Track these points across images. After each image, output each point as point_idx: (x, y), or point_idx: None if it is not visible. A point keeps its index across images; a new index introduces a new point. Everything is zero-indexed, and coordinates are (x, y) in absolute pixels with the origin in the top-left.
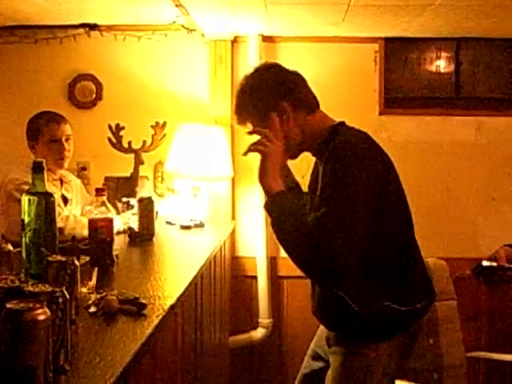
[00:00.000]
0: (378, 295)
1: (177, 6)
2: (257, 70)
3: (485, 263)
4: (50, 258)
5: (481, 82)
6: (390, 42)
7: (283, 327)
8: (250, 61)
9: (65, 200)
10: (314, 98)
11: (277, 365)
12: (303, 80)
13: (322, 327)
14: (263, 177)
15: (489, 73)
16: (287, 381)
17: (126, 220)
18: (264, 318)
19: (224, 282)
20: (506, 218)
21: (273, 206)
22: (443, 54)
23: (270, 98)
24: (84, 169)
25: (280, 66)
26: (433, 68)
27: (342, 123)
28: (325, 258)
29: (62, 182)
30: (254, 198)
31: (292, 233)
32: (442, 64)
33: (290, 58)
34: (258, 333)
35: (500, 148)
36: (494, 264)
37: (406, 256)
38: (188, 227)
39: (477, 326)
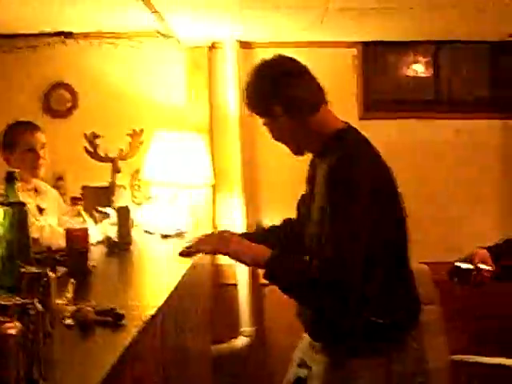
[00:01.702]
0: (360, 308)
1: (152, 12)
2: (257, 68)
3: (459, 264)
4: (22, 270)
5: (460, 85)
6: (368, 47)
7: (266, 335)
8: (228, 67)
9: (40, 210)
10: (315, 97)
11: (260, 373)
12: (302, 79)
13: (304, 336)
14: (247, 260)
15: (468, 76)
16: None
17: (103, 230)
18: (246, 326)
19: (204, 290)
20: (488, 220)
21: (272, 273)
22: (422, 58)
23: (265, 101)
24: (60, 178)
25: (282, 61)
26: (412, 72)
27: (347, 129)
28: (342, 295)
29: (36, 191)
30: (234, 205)
31: (304, 287)
32: (420, 67)
33: None
34: (240, 341)
35: (480, 150)
36: (469, 265)
37: (395, 266)
38: (168, 236)
39: (460, 329)
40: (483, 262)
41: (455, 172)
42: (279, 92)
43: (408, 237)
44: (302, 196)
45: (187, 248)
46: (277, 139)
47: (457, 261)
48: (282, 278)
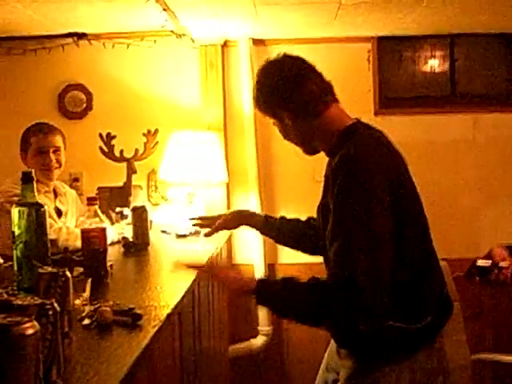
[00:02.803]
0: (384, 314)
1: (164, 10)
2: (262, 70)
3: (479, 262)
4: (40, 270)
5: (476, 79)
6: (383, 41)
7: (283, 335)
8: (241, 64)
9: (59, 212)
10: (320, 100)
11: (278, 373)
12: (306, 80)
13: (332, 341)
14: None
15: (484, 69)
16: None
17: (120, 230)
18: (264, 325)
19: (222, 290)
20: (506, 215)
21: (263, 297)
22: (437, 51)
23: (270, 105)
24: (76, 180)
25: (281, 66)
26: (427, 66)
27: (355, 125)
28: (358, 308)
29: (55, 194)
30: (249, 203)
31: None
32: (436, 61)
33: None
34: (258, 341)
35: (497, 144)
36: (489, 263)
37: (420, 267)
38: (184, 236)
39: (481, 328)
40: (503, 260)
41: (473, 166)
42: (283, 98)
43: (429, 234)
44: (319, 204)
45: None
46: (287, 139)
47: (476, 259)
48: (278, 301)
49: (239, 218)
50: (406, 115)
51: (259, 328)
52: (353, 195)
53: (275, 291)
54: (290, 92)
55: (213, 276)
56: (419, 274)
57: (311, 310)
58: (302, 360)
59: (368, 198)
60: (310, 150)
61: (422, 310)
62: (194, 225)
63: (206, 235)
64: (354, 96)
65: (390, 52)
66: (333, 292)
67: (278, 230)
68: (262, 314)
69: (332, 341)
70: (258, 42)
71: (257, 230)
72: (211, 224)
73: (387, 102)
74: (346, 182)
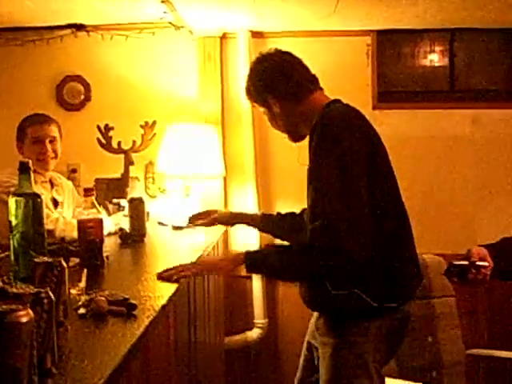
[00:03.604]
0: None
1: (163, 1)
2: (254, 63)
3: (456, 262)
4: (36, 260)
5: (476, 74)
6: (382, 35)
7: (279, 327)
8: (240, 57)
9: (55, 203)
10: (304, 84)
11: (273, 365)
12: (293, 67)
13: (312, 318)
14: (221, 268)
15: (484, 64)
16: (283, 381)
17: (117, 221)
18: (259, 318)
19: (218, 282)
20: (503, 211)
21: (253, 264)
22: (437, 46)
23: (259, 91)
24: (74, 171)
25: (275, 55)
26: (427, 60)
27: (335, 101)
28: (343, 257)
29: (52, 184)
30: (246, 196)
31: (295, 264)
32: (436, 56)
33: None
34: (254, 333)
35: (496, 141)
36: (466, 262)
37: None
38: (180, 227)
39: (476, 323)
40: (481, 259)
41: (471, 162)
42: (272, 84)
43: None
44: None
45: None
46: (275, 127)
47: (454, 259)
48: (267, 261)
49: (236, 216)
50: (405, 110)
51: (255, 321)
52: (328, 146)
53: (263, 255)
54: (278, 78)
55: (201, 272)
56: (391, 243)
57: (298, 263)
58: (297, 353)
59: (343, 149)
60: (296, 136)
61: (395, 290)
62: (191, 223)
63: (205, 224)
64: (353, 90)
65: (390, 46)
66: (314, 241)
67: (274, 225)
68: (258, 306)
69: (311, 320)
70: (256, 35)
71: (254, 227)
72: (206, 216)
73: (386, 96)
74: (322, 137)
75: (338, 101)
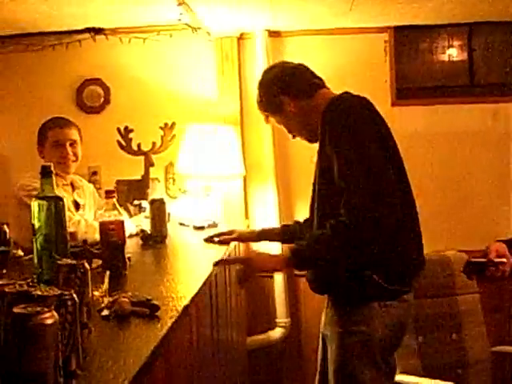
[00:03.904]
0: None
1: (180, 3)
2: (263, 74)
3: (473, 259)
4: (59, 262)
5: (495, 68)
6: (400, 31)
7: (301, 326)
8: (257, 57)
9: (77, 205)
10: (313, 81)
11: (296, 365)
12: (300, 69)
13: (323, 313)
14: (271, 264)
15: (503, 58)
16: (306, 381)
17: (138, 223)
18: (282, 317)
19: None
20: None
21: (301, 259)
22: (455, 41)
23: (272, 95)
24: (95, 173)
25: (282, 63)
26: (445, 56)
27: (338, 94)
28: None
29: (73, 187)
30: (266, 196)
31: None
32: (454, 51)
33: (298, 53)
34: (276, 333)
35: None
36: (483, 259)
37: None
38: (201, 228)
39: (501, 320)
40: (499, 256)
41: (492, 157)
42: (283, 85)
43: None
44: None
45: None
46: (292, 131)
47: (472, 256)
48: (313, 254)
49: (258, 234)
50: (424, 106)
51: (277, 320)
52: (344, 129)
53: (306, 249)
54: (289, 79)
55: (252, 272)
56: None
57: (341, 248)
58: None
59: (361, 131)
60: (314, 135)
61: (405, 274)
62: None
63: (222, 243)
64: (371, 87)
65: (407, 42)
66: (353, 217)
67: (295, 234)
68: (280, 306)
69: (323, 314)
70: (273, 34)
71: (277, 241)
72: (227, 235)
73: (404, 92)
74: (337, 119)
75: (343, 92)
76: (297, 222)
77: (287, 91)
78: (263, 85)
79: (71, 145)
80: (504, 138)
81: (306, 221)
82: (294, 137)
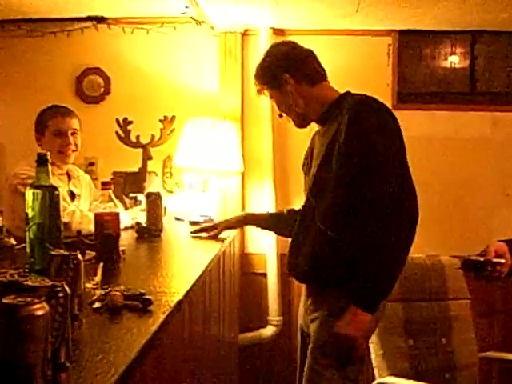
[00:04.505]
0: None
1: None
2: (272, 46)
3: (472, 257)
4: (52, 252)
5: (497, 77)
6: (403, 36)
7: (293, 325)
8: (260, 54)
9: (72, 196)
10: (319, 71)
11: (286, 363)
12: (310, 55)
13: (301, 304)
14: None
15: (505, 67)
16: (296, 379)
17: (133, 215)
18: (274, 315)
19: (233, 278)
20: None
21: (372, 299)
22: (458, 48)
23: (277, 70)
24: (92, 164)
25: (293, 43)
26: (447, 62)
27: (346, 93)
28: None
29: (69, 177)
30: (264, 193)
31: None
32: (456, 58)
33: None
34: (268, 331)
35: None
36: (481, 258)
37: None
38: (197, 223)
39: (490, 326)
40: (499, 256)
41: (490, 165)
42: (288, 62)
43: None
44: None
45: None
46: (282, 110)
47: (472, 254)
48: (372, 284)
49: (241, 219)
50: (424, 111)
51: (269, 318)
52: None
53: (368, 286)
54: (296, 58)
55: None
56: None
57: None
58: None
59: (385, 134)
60: (304, 121)
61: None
62: (195, 237)
63: (211, 237)
64: (373, 90)
65: (410, 47)
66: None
67: (285, 223)
68: (273, 304)
69: (300, 307)
70: (278, 32)
71: (262, 228)
72: (214, 227)
73: (406, 97)
74: (360, 120)
75: (350, 92)
76: (289, 211)
77: (294, 72)
78: (269, 55)
79: (72, 134)
80: (503, 146)
81: (299, 210)
82: (280, 116)
